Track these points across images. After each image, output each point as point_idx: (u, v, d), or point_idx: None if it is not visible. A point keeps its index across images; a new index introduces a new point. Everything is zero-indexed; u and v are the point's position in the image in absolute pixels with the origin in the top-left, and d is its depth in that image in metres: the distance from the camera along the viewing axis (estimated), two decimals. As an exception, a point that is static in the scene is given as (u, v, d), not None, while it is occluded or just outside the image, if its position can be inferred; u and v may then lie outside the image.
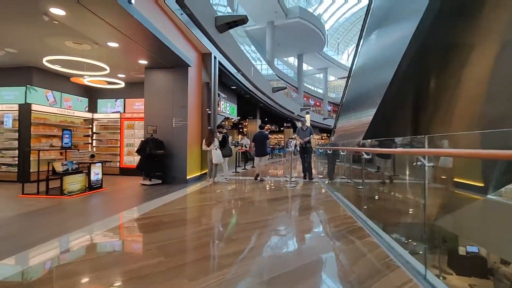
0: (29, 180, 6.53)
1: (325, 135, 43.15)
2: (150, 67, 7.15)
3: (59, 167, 5.06)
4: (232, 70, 10.47)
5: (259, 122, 18.59)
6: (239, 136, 27.54)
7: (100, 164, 5.89)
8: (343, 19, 49.00)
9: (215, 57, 8.56)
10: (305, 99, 37.03)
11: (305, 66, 40.76)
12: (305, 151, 7.72)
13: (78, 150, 5.94)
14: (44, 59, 5.51)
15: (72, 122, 8.04)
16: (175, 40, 6.11)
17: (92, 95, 8.86)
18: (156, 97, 7.17)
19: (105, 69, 6.17)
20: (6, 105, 6.92)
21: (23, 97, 6.83)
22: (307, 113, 26.23)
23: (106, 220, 3.70)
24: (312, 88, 44.43)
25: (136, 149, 6.74)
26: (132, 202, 5.05)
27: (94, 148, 8.70)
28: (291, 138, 9.63)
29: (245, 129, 24.40)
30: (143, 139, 6.75)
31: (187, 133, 7.02)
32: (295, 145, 8.88)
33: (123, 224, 3.59)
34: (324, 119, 36.42)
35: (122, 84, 7.50)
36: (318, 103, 42.70)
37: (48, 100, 7.35)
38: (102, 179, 5.94)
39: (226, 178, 7.39)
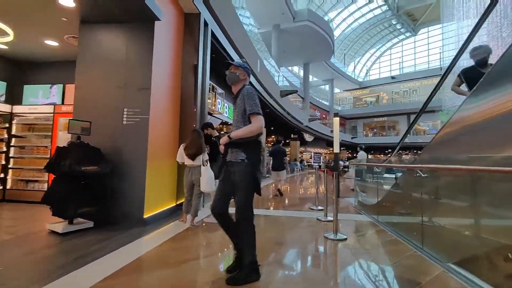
0: None
1: (330, 149, 40.30)
2: (86, 20, 4.13)
3: None
4: (232, 53, 7.49)
5: (264, 131, 15.56)
6: (239, 149, 24.33)
7: None
8: (349, 30, 47.10)
9: (206, 23, 5.58)
10: (311, 109, 34.31)
11: (310, 77, 38.23)
12: None
13: None
14: None
15: (-31, 117, 4.94)
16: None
17: (15, 77, 5.79)
18: (95, 71, 4.10)
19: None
20: None
21: None
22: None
23: None
24: (318, 99, 41.80)
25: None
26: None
27: (11, 160, 5.53)
28: (318, 153, 6.57)
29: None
30: (61, 145, 3.63)
31: (147, 136, 3.91)
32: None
33: None
34: (331, 131, 33.47)
35: (10, 35, 4.31)
36: (324, 115, 39.91)
37: None
38: None
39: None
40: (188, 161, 3.85)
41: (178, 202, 4.86)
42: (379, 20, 42.13)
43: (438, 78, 3.77)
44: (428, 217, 3.00)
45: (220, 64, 7.80)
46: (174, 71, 4.85)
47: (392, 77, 42.19)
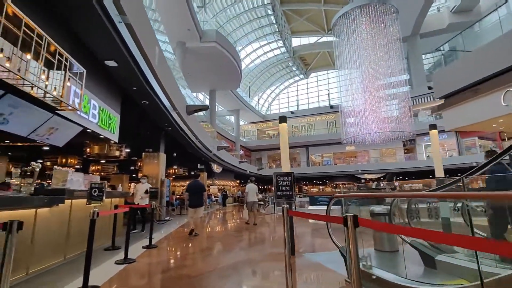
0: None
1: (237, 181, 38.49)
2: None
3: None
4: (109, 3, 3.96)
5: (163, 157, 11.60)
6: (131, 185, 18.90)
7: None
8: (253, 65, 49.09)
9: None
10: (217, 139, 31.96)
11: (216, 106, 36.46)
12: None
13: None
14: None
15: None
16: None
17: None
18: None
19: None
20: None
21: None
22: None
23: None
24: (224, 129, 40.12)
25: None
26: None
27: None
28: (287, 174, 3.63)
29: (139, 173, 16.27)
30: None
31: None
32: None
33: None
34: (240, 162, 31.68)
35: None
36: (231, 145, 38.19)
37: None
38: None
39: None
40: None
41: None
42: (278, 60, 45.43)
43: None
44: None
45: (82, 19, 4.10)
46: None
47: (292, 112, 45.18)
